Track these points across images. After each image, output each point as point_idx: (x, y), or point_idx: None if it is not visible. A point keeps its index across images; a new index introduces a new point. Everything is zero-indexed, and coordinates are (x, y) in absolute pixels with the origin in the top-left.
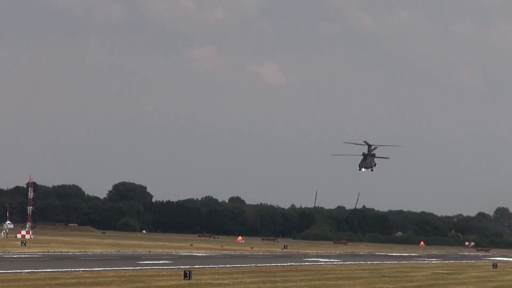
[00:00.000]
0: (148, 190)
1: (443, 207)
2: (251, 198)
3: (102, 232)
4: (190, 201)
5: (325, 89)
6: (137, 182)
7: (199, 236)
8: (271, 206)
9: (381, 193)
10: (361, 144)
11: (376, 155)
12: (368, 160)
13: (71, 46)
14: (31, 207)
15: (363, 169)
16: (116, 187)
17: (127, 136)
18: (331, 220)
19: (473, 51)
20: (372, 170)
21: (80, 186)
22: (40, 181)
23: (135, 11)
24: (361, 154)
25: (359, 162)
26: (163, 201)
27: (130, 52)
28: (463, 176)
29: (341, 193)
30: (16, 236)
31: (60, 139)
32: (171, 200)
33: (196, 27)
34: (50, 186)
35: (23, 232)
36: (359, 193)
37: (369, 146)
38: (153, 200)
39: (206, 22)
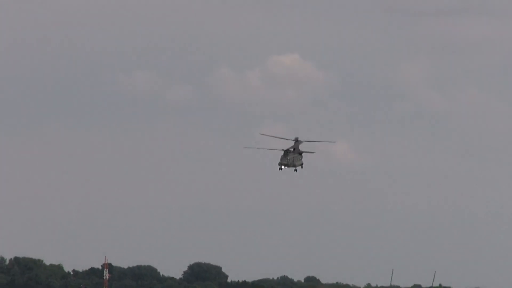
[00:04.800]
0: (223, 270)
1: None
2: (327, 276)
3: None
4: (265, 281)
5: (396, 167)
6: (212, 262)
7: None
8: (347, 286)
9: (458, 270)
10: (284, 138)
11: (302, 152)
12: (289, 157)
13: (142, 128)
14: None
15: (283, 168)
16: (191, 267)
17: (201, 216)
18: None
19: None
20: (295, 170)
21: (155, 266)
22: (115, 262)
23: (206, 92)
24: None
25: (279, 159)
26: (238, 281)
27: (201, 133)
28: None
29: (417, 270)
30: None
31: (135, 220)
32: (246, 280)
33: (267, 107)
34: (125, 267)
35: None
36: (435, 272)
37: (296, 141)
38: (229, 280)
39: (277, 101)
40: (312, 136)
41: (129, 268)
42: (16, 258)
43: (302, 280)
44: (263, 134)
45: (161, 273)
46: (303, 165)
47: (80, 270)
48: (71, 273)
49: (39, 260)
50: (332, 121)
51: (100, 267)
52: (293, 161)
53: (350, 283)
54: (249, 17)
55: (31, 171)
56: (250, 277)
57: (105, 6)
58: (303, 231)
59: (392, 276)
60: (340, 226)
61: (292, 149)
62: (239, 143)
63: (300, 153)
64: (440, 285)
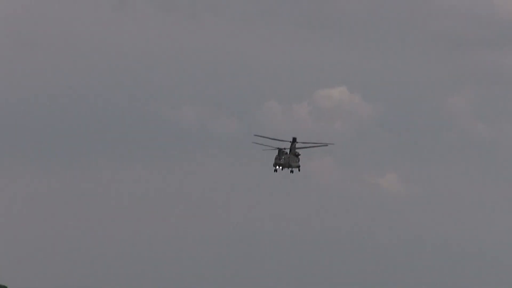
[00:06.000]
0: None
1: None
2: None
3: None
4: None
5: (444, 198)
6: None
7: None
8: None
9: None
10: (278, 140)
11: (299, 154)
12: (285, 157)
13: (190, 161)
14: None
15: (279, 168)
16: None
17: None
18: None
19: None
20: (291, 171)
21: None
22: None
23: (253, 126)
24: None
25: (274, 159)
26: None
27: (249, 167)
28: None
29: None
30: None
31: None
32: None
33: (315, 140)
34: None
35: None
36: None
37: (293, 142)
38: None
39: (325, 134)
40: (358, 166)
41: None
42: None
43: None
44: (257, 135)
45: None
46: (300, 168)
47: None
48: None
49: None
50: (380, 153)
51: None
52: (288, 161)
53: None
54: (296, 50)
55: (81, 206)
56: None
57: (150, 39)
58: (352, 265)
59: None
60: (390, 258)
61: (287, 151)
62: (289, 176)
63: (297, 155)
64: None
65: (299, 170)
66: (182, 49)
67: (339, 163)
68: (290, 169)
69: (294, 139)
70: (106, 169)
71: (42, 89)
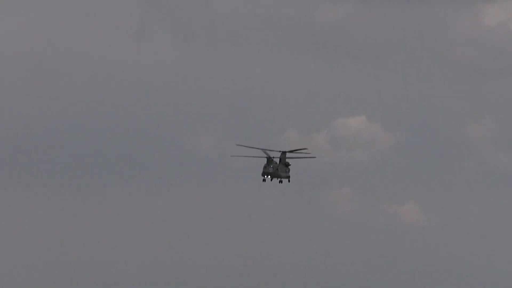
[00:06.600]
0: None
1: None
2: None
3: None
4: None
5: (466, 228)
6: None
7: None
8: None
9: None
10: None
11: (289, 165)
12: (273, 165)
13: (211, 190)
14: None
15: (267, 178)
16: None
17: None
18: None
19: None
20: (281, 181)
21: None
22: None
23: (271, 154)
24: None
25: (263, 168)
26: None
27: (268, 198)
28: None
29: None
30: None
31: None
32: None
33: (335, 169)
34: None
35: None
36: None
37: (283, 152)
38: None
39: (345, 164)
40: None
41: None
42: None
43: None
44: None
45: None
46: (290, 179)
47: None
48: None
49: None
50: (399, 182)
51: None
52: (277, 170)
53: None
54: (315, 79)
55: (98, 235)
56: None
57: (169, 68)
58: None
59: None
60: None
61: (277, 160)
62: (308, 206)
63: (287, 165)
64: None
65: (288, 181)
66: (201, 78)
67: (358, 192)
68: (279, 179)
69: (284, 152)
70: (123, 198)
71: (62, 117)
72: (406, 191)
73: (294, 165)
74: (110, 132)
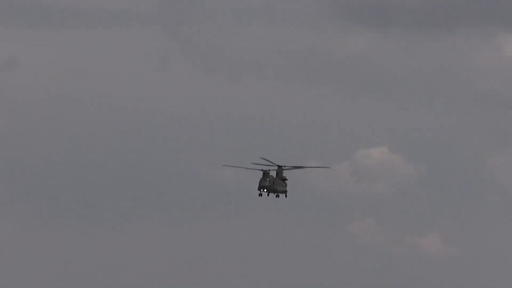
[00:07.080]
0: None
1: None
2: None
3: None
4: None
5: (489, 260)
6: None
7: None
8: None
9: None
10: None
11: (286, 179)
12: (269, 179)
13: (234, 221)
14: None
15: (264, 191)
16: None
17: None
18: None
19: None
20: (277, 196)
21: None
22: None
23: (294, 186)
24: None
25: (259, 181)
26: None
27: (288, 228)
28: None
29: None
30: None
31: None
32: None
33: (356, 200)
34: None
35: None
36: None
37: (280, 166)
38: None
39: (366, 195)
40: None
41: None
42: None
43: None
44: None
45: None
46: (287, 194)
47: None
48: None
49: None
50: (421, 213)
51: None
52: (273, 184)
53: None
54: (337, 110)
55: (116, 265)
56: None
57: (191, 99)
58: None
59: None
60: None
61: (273, 174)
62: (328, 237)
63: (284, 179)
64: None
65: (286, 196)
66: (223, 109)
67: (380, 223)
68: (275, 194)
69: (280, 166)
70: (144, 228)
71: (83, 147)
72: (428, 222)
73: (315, 192)
74: (133, 162)
